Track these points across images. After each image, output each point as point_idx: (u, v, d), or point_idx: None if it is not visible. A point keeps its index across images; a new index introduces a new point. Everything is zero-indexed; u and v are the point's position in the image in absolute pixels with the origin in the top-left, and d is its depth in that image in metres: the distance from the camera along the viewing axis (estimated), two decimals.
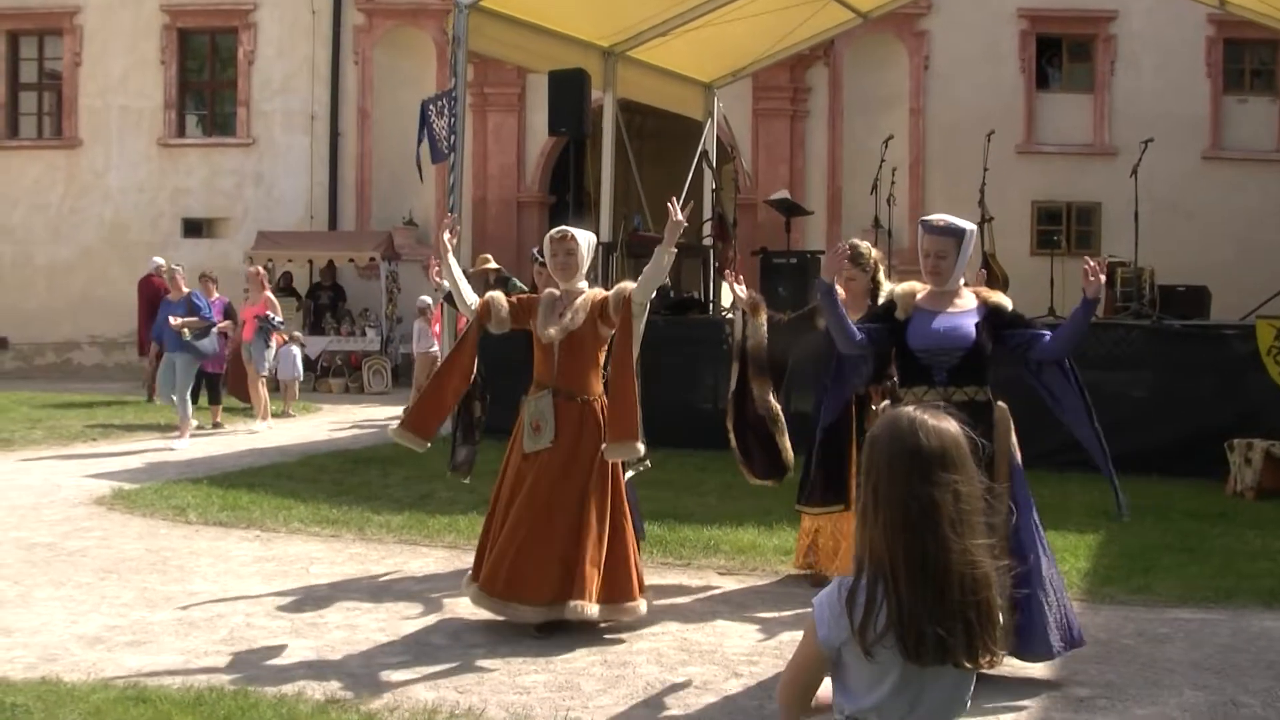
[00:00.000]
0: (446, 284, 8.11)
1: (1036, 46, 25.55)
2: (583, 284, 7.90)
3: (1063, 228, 24.60)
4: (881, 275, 8.56)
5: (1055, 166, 25.06)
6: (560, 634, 7.52)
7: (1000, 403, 6.74)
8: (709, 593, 8.81)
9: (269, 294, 17.52)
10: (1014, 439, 6.73)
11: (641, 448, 7.66)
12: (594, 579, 7.49)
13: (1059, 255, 18.77)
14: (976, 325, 6.72)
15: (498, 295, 7.93)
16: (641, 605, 7.72)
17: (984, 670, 3.17)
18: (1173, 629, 7.81)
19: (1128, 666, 7.01)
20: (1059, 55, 26.05)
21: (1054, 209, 25.11)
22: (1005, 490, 6.32)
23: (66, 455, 15.35)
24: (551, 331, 7.68)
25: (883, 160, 18.08)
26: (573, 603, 7.43)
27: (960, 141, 22.59)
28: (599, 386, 7.82)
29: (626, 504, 7.82)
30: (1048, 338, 6.82)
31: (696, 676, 6.84)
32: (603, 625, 7.68)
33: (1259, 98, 25.33)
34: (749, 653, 7.28)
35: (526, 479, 7.64)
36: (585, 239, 7.90)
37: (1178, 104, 24.40)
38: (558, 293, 7.90)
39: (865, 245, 8.56)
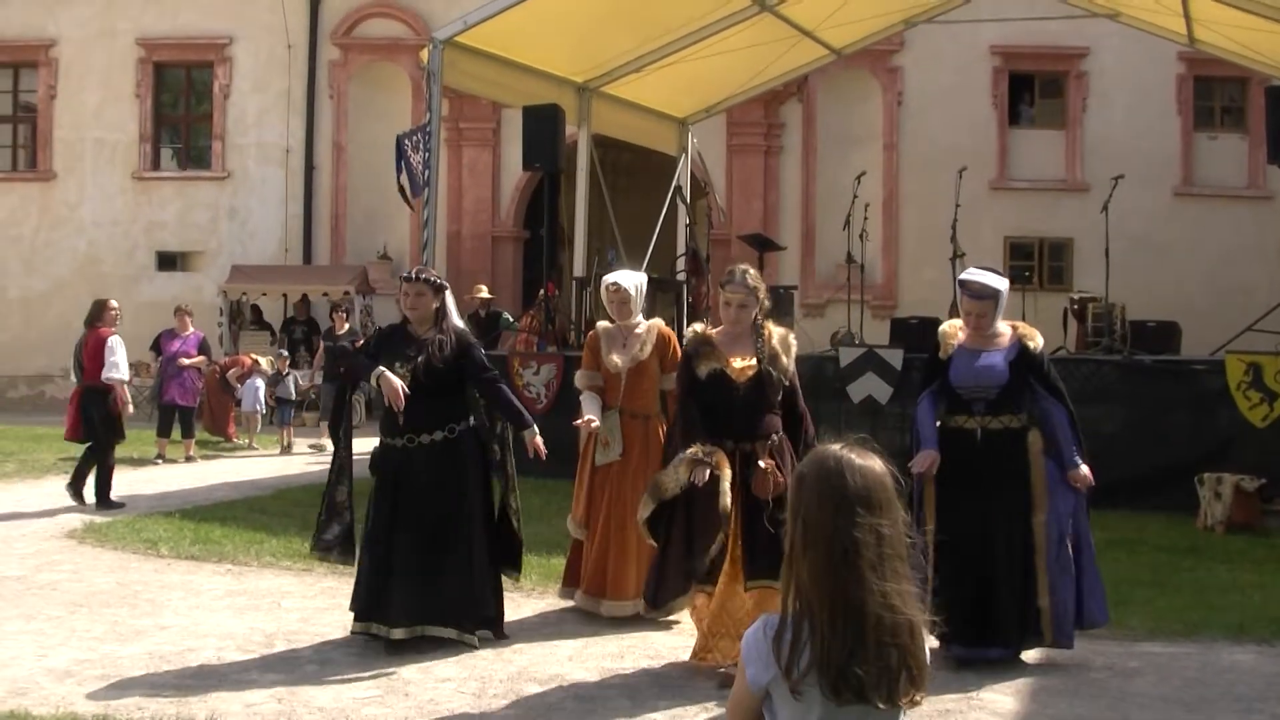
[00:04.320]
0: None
1: (1009, 83, 25.67)
2: (638, 318, 8.83)
3: (1035, 263, 24.69)
4: (760, 313, 7.58)
5: (1027, 202, 25.16)
6: (538, 668, 7.54)
7: (1034, 429, 7.69)
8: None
9: None
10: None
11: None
12: None
13: (1030, 291, 18.84)
14: (1011, 364, 7.68)
15: (591, 380, 8.80)
16: None
17: (912, 708, 3.19)
18: (1142, 662, 7.85)
19: (1097, 700, 7.04)
20: (1031, 92, 26.19)
21: (1026, 244, 25.19)
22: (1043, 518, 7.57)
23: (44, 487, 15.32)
24: (619, 362, 8.69)
25: (856, 196, 18.13)
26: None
27: (933, 177, 22.70)
28: (657, 405, 8.81)
29: None
30: (1052, 408, 7.73)
31: (663, 708, 6.85)
32: (571, 660, 7.68)
33: (1229, 135, 25.50)
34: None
35: (606, 492, 8.66)
36: (634, 283, 8.89)
37: (1149, 141, 24.55)
38: (612, 328, 8.89)
39: (754, 272, 7.69)
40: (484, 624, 8.16)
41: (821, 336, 19.03)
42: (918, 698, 3.14)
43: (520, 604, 9.26)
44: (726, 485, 7.12)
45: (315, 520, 8.56)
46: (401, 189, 15.73)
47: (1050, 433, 7.69)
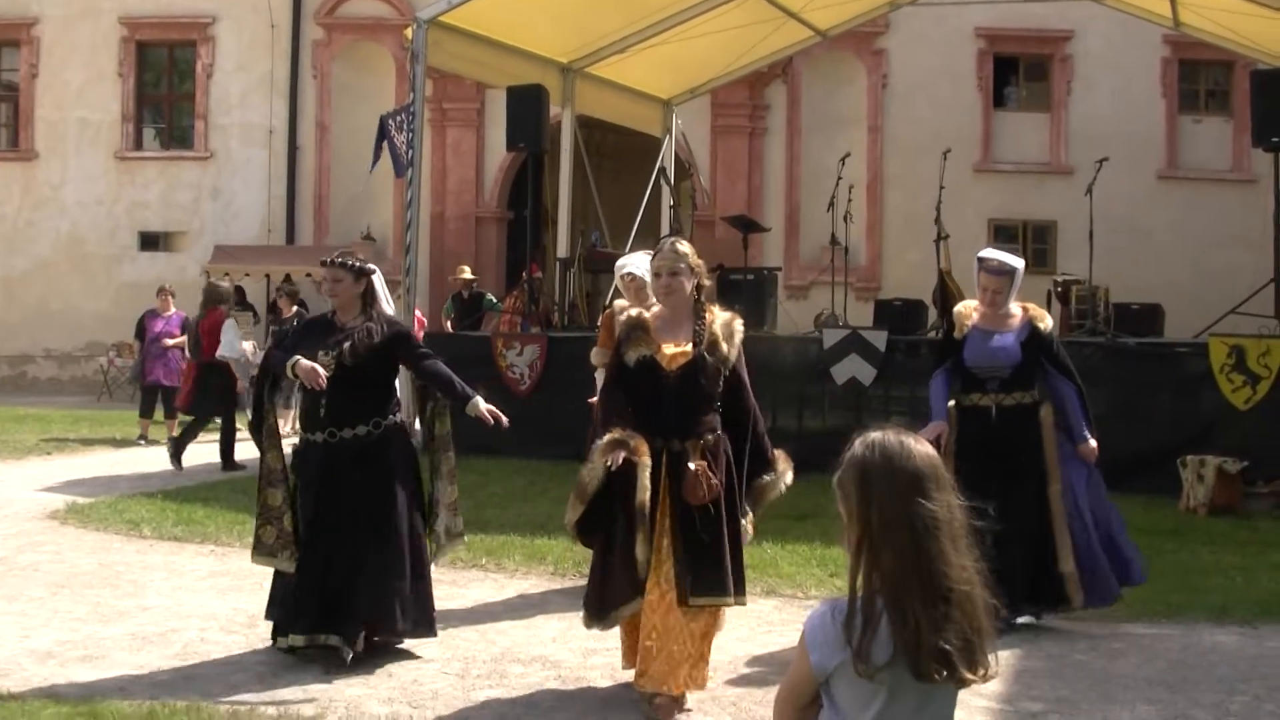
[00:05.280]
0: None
1: (994, 66, 25.71)
2: (653, 299, 8.14)
3: (1019, 246, 24.68)
4: (702, 293, 6.82)
5: (1012, 185, 25.22)
6: (521, 649, 7.53)
7: (1046, 403, 8.16)
8: None
9: None
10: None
11: None
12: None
13: None
14: (1022, 344, 8.11)
15: (606, 358, 8.14)
16: None
17: (977, 683, 3.20)
18: (1125, 643, 7.87)
19: (1080, 681, 7.05)
20: (1016, 74, 26.24)
21: (1010, 227, 25.26)
22: (1058, 488, 8.08)
23: (20, 469, 15.27)
24: None
25: (840, 178, 18.09)
26: None
27: (917, 159, 22.72)
28: None
29: None
30: (1062, 385, 8.18)
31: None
32: (554, 641, 7.71)
33: (1213, 118, 25.57)
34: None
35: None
36: (647, 268, 8.26)
37: (1133, 124, 24.61)
38: (634, 314, 8.24)
39: (685, 243, 6.91)
40: (418, 626, 7.53)
41: (805, 318, 19.02)
42: (990, 672, 3.17)
43: (504, 585, 9.27)
44: (645, 478, 6.32)
45: (254, 528, 7.80)
46: (376, 156, 15.72)
47: (1061, 409, 8.15)
